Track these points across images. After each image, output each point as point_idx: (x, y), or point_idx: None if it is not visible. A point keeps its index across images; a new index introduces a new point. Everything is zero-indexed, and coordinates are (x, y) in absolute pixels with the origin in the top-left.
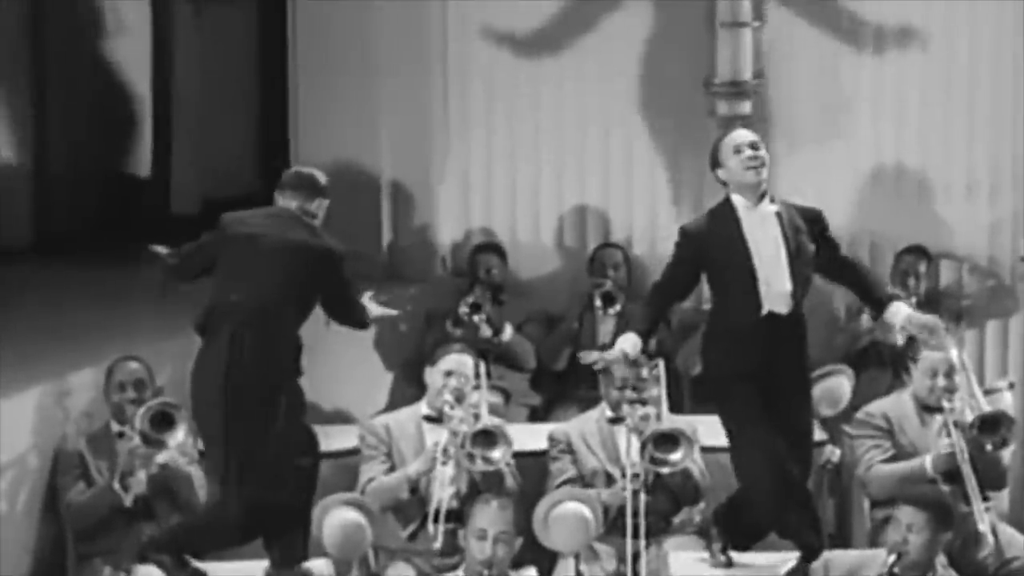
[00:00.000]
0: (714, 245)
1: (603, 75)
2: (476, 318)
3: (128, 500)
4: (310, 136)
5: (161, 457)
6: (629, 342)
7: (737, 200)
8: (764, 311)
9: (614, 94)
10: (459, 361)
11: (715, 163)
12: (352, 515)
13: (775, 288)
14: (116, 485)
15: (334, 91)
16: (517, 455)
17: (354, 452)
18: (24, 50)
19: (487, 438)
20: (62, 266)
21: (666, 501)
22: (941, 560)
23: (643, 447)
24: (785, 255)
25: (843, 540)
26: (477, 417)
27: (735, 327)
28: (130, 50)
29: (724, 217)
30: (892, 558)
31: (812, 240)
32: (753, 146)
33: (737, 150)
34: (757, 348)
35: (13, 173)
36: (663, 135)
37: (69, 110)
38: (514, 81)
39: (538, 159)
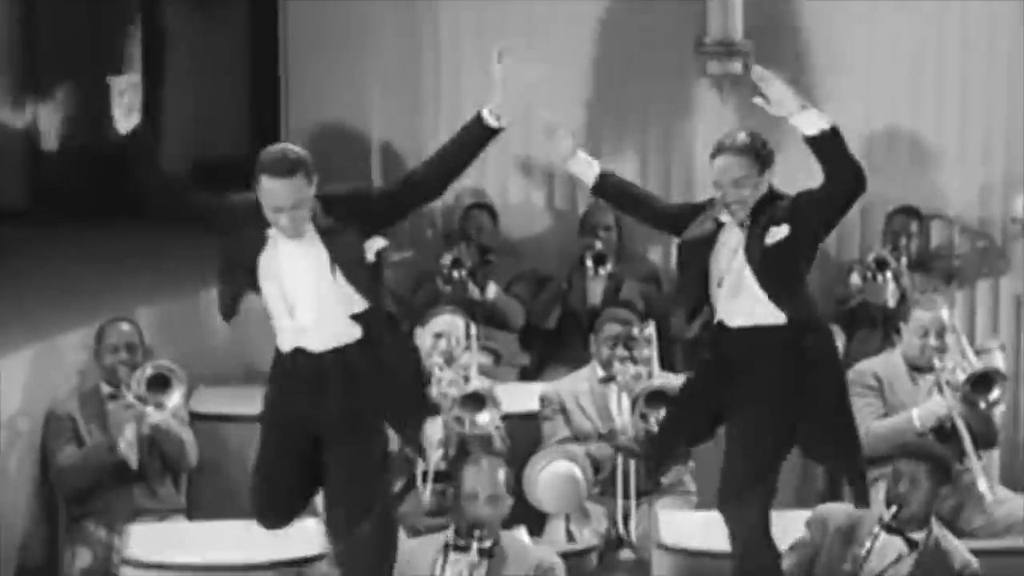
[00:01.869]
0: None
1: (595, 36)
2: (456, 273)
3: (134, 462)
4: (300, 98)
5: (153, 418)
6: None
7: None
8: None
9: (605, 55)
10: (450, 322)
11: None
12: None
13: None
14: (122, 446)
15: (324, 52)
16: (507, 416)
17: None
18: (16, 10)
19: (475, 401)
20: (57, 226)
21: None
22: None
23: (634, 404)
24: (748, 268)
25: (834, 501)
26: (467, 379)
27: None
28: (120, 11)
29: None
30: (892, 510)
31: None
32: (734, 186)
33: (719, 183)
34: (707, 352)
35: (8, 134)
36: (654, 95)
37: (63, 71)
38: (505, 41)
39: (529, 119)
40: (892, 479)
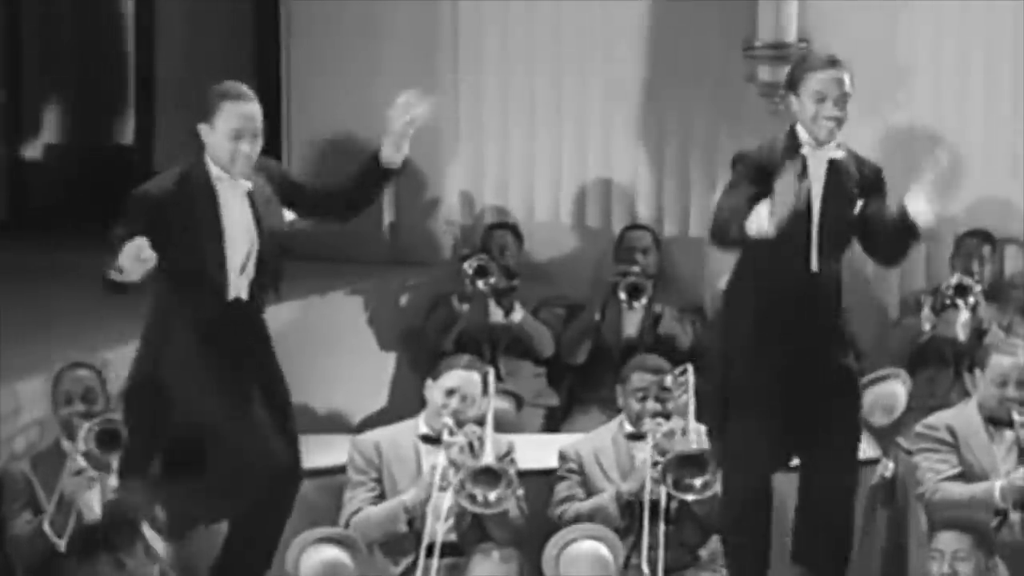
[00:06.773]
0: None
1: (631, 38)
2: (481, 283)
3: (62, 545)
4: (304, 106)
5: (115, 480)
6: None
7: (802, 135)
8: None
9: (643, 58)
10: (464, 378)
11: (791, 85)
12: (334, 553)
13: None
14: (47, 527)
15: (330, 56)
16: (527, 474)
17: (343, 470)
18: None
19: (489, 476)
20: (37, 244)
21: (692, 531)
22: None
23: (664, 471)
24: (819, 209)
25: (898, 565)
26: (481, 441)
27: (768, 283)
28: (112, 15)
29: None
30: None
31: (862, 196)
32: (840, 102)
33: (821, 98)
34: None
35: None
36: (698, 102)
37: (49, 82)
38: (532, 43)
39: (559, 129)
40: (934, 560)
